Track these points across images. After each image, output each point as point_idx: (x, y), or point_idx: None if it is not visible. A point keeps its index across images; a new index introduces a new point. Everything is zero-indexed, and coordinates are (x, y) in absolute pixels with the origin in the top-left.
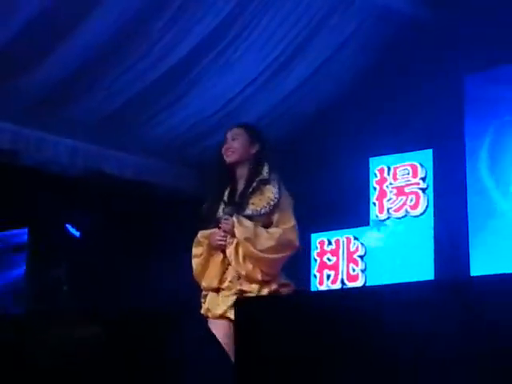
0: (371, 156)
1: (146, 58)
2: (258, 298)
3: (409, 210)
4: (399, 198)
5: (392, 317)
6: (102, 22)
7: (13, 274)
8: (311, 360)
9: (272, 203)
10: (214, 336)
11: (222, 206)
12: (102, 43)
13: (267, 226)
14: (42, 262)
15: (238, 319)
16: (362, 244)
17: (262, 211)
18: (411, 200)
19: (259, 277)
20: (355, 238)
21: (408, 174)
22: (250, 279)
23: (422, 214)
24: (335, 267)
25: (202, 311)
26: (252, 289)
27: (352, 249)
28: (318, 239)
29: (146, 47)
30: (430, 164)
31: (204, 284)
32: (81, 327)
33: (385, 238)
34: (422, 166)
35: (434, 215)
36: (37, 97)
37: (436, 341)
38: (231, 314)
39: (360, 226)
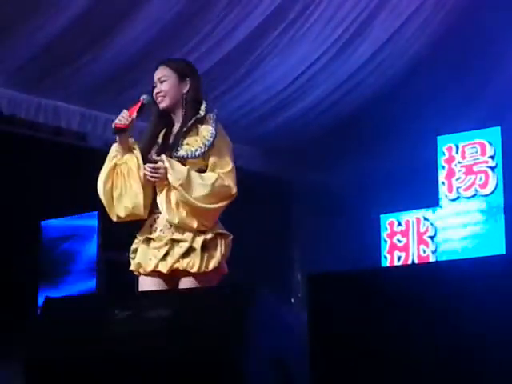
0: (439, 134)
1: (208, 39)
2: (330, 274)
3: (478, 189)
4: (468, 176)
5: (464, 291)
6: (163, 4)
7: (84, 256)
8: (384, 337)
9: (207, 143)
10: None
11: (155, 148)
12: (165, 24)
13: (203, 171)
14: (113, 244)
15: (310, 296)
16: (431, 224)
17: (197, 152)
18: (480, 179)
19: (194, 225)
20: (425, 219)
21: (476, 152)
22: (184, 228)
23: (491, 192)
24: (405, 248)
25: (132, 267)
26: (185, 238)
27: (422, 229)
28: (387, 220)
29: (209, 28)
30: (498, 142)
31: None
32: (152, 309)
33: (454, 218)
34: (490, 144)
35: (504, 193)
36: (103, 79)
37: (508, 316)
38: (163, 267)
39: (429, 205)
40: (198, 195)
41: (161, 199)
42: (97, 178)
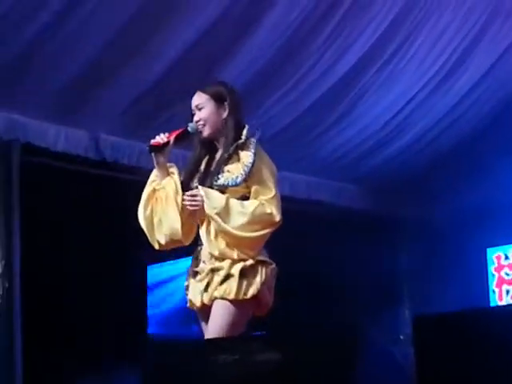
0: None
1: (306, 78)
2: (434, 315)
3: None
4: None
5: None
6: (262, 42)
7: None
8: (488, 378)
9: (246, 169)
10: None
11: (197, 176)
12: (262, 64)
13: (247, 198)
14: None
15: (416, 336)
16: None
17: (238, 180)
18: None
19: (234, 255)
20: None
21: None
22: (224, 258)
23: None
24: None
25: (188, 304)
26: (223, 265)
27: None
28: (494, 254)
29: (307, 66)
30: None
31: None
32: (260, 353)
33: None
34: None
35: None
36: None
37: None
38: (205, 299)
39: None
40: (237, 224)
41: (202, 230)
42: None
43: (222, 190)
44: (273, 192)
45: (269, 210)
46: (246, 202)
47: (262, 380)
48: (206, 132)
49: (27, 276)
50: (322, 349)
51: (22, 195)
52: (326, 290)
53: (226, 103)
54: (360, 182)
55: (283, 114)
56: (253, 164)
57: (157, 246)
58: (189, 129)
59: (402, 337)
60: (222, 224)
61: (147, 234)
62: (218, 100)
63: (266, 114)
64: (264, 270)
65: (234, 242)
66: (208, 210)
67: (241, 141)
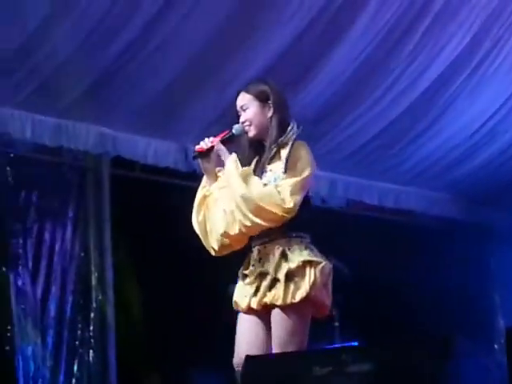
0: None
1: (394, 87)
2: None
3: None
4: None
5: None
6: (346, 54)
7: None
8: None
9: (282, 166)
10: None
11: None
12: (349, 75)
13: None
14: None
15: (509, 347)
16: None
17: (280, 178)
18: None
19: (255, 219)
20: None
21: None
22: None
23: None
24: None
25: (233, 305)
26: (268, 269)
27: None
28: None
29: (395, 76)
30: None
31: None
32: (353, 364)
33: None
34: None
35: None
36: None
37: None
38: (254, 304)
39: None
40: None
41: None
42: None
43: None
44: (295, 182)
45: (281, 195)
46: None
47: None
48: (251, 132)
49: (119, 289)
50: (415, 359)
51: (113, 208)
52: (417, 299)
53: (269, 102)
54: (450, 191)
55: (371, 124)
56: (287, 159)
57: (212, 253)
58: (233, 131)
59: (496, 346)
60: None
61: (202, 241)
62: (262, 99)
63: (353, 125)
64: (312, 271)
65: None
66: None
67: (282, 139)
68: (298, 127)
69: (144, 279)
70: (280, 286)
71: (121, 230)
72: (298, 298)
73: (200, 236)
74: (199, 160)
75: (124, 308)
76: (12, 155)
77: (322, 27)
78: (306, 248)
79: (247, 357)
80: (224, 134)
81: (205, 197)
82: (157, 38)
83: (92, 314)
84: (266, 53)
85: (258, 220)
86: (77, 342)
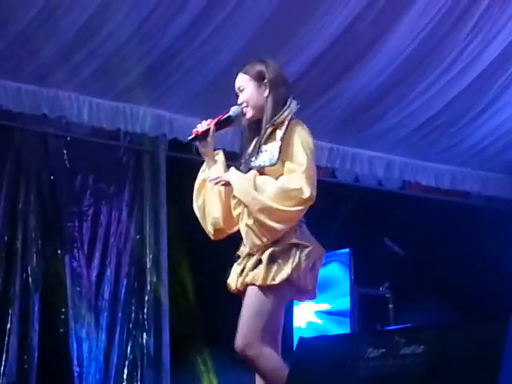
0: None
1: (451, 69)
2: None
3: None
4: None
5: None
6: (405, 33)
7: (337, 292)
8: None
9: (277, 146)
10: None
11: (244, 159)
12: (405, 57)
13: None
14: (366, 280)
15: None
16: None
17: (274, 158)
18: None
19: (265, 236)
20: None
21: None
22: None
23: None
24: None
25: (227, 287)
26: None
27: None
28: None
29: (452, 57)
30: None
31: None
32: (407, 346)
33: None
34: None
35: None
36: (348, 114)
37: None
38: (238, 284)
39: None
40: (265, 196)
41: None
42: (345, 213)
43: (261, 171)
44: (303, 166)
45: (297, 185)
46: (271, 179)
47: (409, 374)
48: (249, 114)
49: (173, 271)
50: (471, 341)
51: (169, 191)
52: (473, 280)
53: (265, 81)
54: (507, 171)
55: (427, 106)
56: (282, 139)
57: (212, 237)
58: (230, 113)
59: None
60: (251, 198)
61: (202, 225)
62: (258, 79)
63: (410, 106)
64: (298, 254)
65: (259, 220)
66: (235, 192)
67: (276, 118)
68: (297, 104)
69: (198, 262)
70: (262, 267)
71: (177, 213)
72: (278, 279)
73: (200, 220)
74: (197, 143)
75: (178, 290)
76: (69, 138)
77: (380, 9)
78: (295, 231)
79: (300, 338)
80: (221, 116)
81: (204, 181)
82: (214, 20)
83: (146, 297)
84: (322, 35)
85: (281, 226)
86: (130, 325)
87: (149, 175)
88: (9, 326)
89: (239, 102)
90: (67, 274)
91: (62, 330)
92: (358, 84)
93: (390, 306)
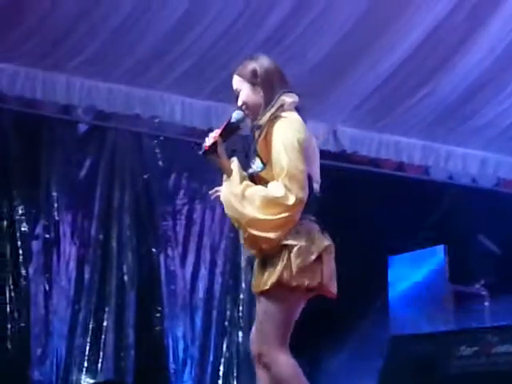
0: None
1: None
2: None
3: None
4: None
5: None
6: (499, 29)
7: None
8: None
9: (259, 148)
10: None
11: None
12: (499, 53)
13: None
14: (461, 278)
15: None
16: None
17: (261, 164)
18: None
19: (256, 244)
20: None
21: None
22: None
23: None
24: None
25: None
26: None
27: None
28: None
29: None
30: None
31: None
32: (500, 345)
33: None
34: None
35: None
36: (441, 111)
37: None
38: (254, 287)
39: None
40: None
41: None
42: (439, 211)
43: (257, 176)
44: (284, 170)
45: (280, 193)
46: (261, 188)
47: (502, 373)
48: (250, 115)
49: None
50: None
51: None
52: None
53: (258, 80)
54: None
55: None
56: (258, 141)
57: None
58: (232, 119)
59: None
60: (238, 214)
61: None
62: (251, 79)
63: (504, 102)
64: (286, 254)
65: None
66: (225, 209)
67: (259, 118)
68: (291, 97)
69: None
70: (255, 274)
71: None
72: (269, 284)
73: None
74: (210, 158)
75: None
76: (162, 138)
77: (471, 6)
78: (290, 232)
79: (392, 336)
80: (225, 124)
81: None
82: (304, 21)
83: (241, 295)
84: (415, 31)
85: (275, 233)
86: (226, 323)
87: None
88: (105, 323)
89: (238, 104)
90: (162, 272)
91: (157, 328)
92: (450, 81)
93: (486, 303)
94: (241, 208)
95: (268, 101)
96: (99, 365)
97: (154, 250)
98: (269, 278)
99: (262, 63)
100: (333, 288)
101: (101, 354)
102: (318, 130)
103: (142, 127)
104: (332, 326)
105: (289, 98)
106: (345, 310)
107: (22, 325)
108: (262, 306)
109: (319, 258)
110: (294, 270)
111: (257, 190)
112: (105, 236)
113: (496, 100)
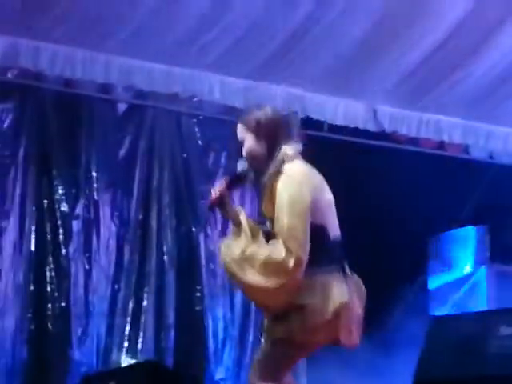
0: None
1: None
2: None
3: None
4: None
5: None
6: None
7: (473, 270)
8: None
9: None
10: None
11: None
12: None
13: None
14: (501, 257)
15: None
16: None
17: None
18: None
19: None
20: None
21: None
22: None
23: None
24: None
25: None
26: None
27: None
28: None
29: None
30: None
31: None
32: None
33: None
34: None
35: None
36: (481, 90)
37: None
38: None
39: None
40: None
41: None
42: (480, 190)
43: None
44: (284, 229)
45: (279, 256)
46: (263, 249)
47: None
48: (255, 166)
49: None
50: None
51: None
52: None
53: (261, 133)
54: None
55: None
56: (263, 198)
57: None
58: (239, 169)
59: None
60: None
61: None
62: (255, 129)
63: None
64: (299, 314)
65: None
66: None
67: (268, 173)
68: (295, 148)
69: None
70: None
71: None
72: (280, 334)
73: None
74: (217, 211)
75: None
76: (201, 117)
77: None
78: (299, 289)
79: (432, 316)
80: (232, 176)
81: None
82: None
83: None
84: (455, 10)
85: (277, 300)
86: None
87: None
88: (145, 303)
89: (243, 154)
90: (201, 252)
91: (197, 308)
92: (490, 60)
93: None
94: (241, 273)
95: (271, 152)
96: (139, 345)
97: (193, 229)
98: (280, 330)
99: (266, 114)
100: (353, 339)
101: (140, 334)
102: (358, 109)
103: (181, 106)
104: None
105: (290, 150)
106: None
107: (63, 304)
108: (268, 346)
109: (336, 314)
110: (308, 328)
111: (258, 253)
112: (144, 215)
113: None
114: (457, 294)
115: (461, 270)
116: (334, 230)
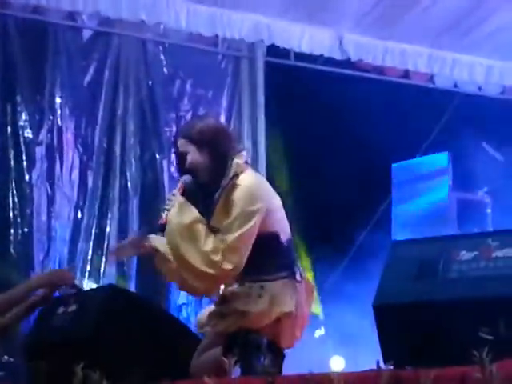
0: None
1: None
2: None
3: None
4: None
5: None
6: None
7: (435, 197)
8: None
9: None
10: None
11: None
12: None
13: None
14: (463, 184)
15: None
16: None
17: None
18: None
19: None
20: None
21: None
22: None
23: None
24: None
25: None
26: None
27: None
28: None
29: None
30: None
31: None
32: (499, 249)
33: None
34: None
35: None
36: (447, 20)
37: None
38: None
39: None
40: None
41: None
42: (444, 119)
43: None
44: (227, 242)
45: (215, 257)
46: (204, 235)
47: (501, 277)
48: (200, 179)
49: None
50: None
51: (267, 96)
52: None
53: (204, 146)
54: None
55: None
56: (215, 202)
57: None
58: (184, 184)
59: None
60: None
61: None
62: (197, 141)
63: None
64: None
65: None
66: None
67: (224, 182)
68: (241, 157)
69: (297, 171)
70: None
71: (274, 118)
72: (222, 329)
73: None
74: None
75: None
76: (167, 45)
77: None
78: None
79: (393, 241)
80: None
81: None
82: None
83: None
84: None
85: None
86: None
87: (247, 81)
88: (108, 229)
89: (186, 167)
90: (165, 179)
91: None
92: None
93: (488, 210)
94: (179, 240)
95: (216, 162)
96: (101, 270)
97: (157, 156)
98: (222, 325)
99: (208, 124)
100: (293, 343)
101: (103, 259)
102: (324, 37)
103: (147, 33)
104: (331, 235)
105: (240, 160)
106: (347, 217)
107: (25, 230)
108: (209, 339)
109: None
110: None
111: (201, 236)
112: (108, 142)
113: (504, 7)
114: (420, 220)
115: (424, 197)
116: (286, 233)
